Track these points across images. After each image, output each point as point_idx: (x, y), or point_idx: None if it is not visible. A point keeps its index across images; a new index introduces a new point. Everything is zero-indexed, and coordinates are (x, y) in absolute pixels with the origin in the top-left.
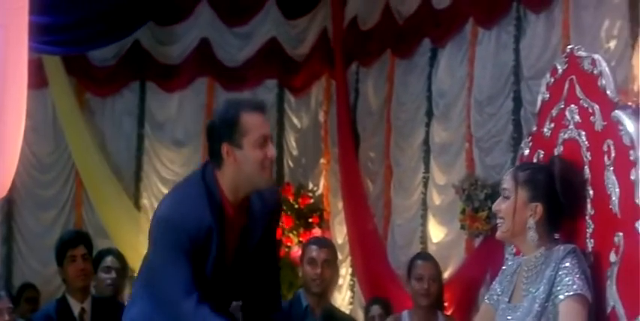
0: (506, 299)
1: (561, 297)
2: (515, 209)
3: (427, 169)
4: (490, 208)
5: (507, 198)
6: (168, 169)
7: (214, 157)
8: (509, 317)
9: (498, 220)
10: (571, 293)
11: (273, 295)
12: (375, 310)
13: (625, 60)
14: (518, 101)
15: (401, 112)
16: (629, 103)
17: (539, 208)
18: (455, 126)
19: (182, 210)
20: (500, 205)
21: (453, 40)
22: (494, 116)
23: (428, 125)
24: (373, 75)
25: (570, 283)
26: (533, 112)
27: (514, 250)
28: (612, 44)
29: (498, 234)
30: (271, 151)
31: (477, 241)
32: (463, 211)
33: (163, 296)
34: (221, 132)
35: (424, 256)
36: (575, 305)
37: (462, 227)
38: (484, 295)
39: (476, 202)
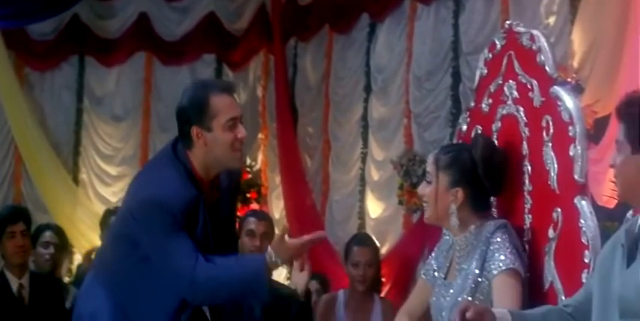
0: (443, 276)
1: (494, 272)
2: (437, 195)
3: (365, 145)
4: None
5: (430, 183)
6: (106, 143)
7: (185, 138)
8: (444, 293)
9: (424, 204)
10: (503, 268)
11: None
12: (313, 285)
13: (564, 36)
14: (456, 77)
15: (339, 88)
16: (569, 79)
17: (460, 193)
18: (393, 101)
19: (166, 189)
20: (424, 190)
21: (391, 15)
22: (433, 92)
23: (366, 101)
24: (311, 50)
25: (502, 258)
26: (472, 87)
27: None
28: (552, 20)
29: (425, 218)
30: (242, 132)
31: (415, 217)
32: (401, 187)
33: (173, 273)
34: (190, 115)
35: (361, 240)
36: (508, 279)
37: (400, 203)
38: (421, 270)
39: (414, 177)
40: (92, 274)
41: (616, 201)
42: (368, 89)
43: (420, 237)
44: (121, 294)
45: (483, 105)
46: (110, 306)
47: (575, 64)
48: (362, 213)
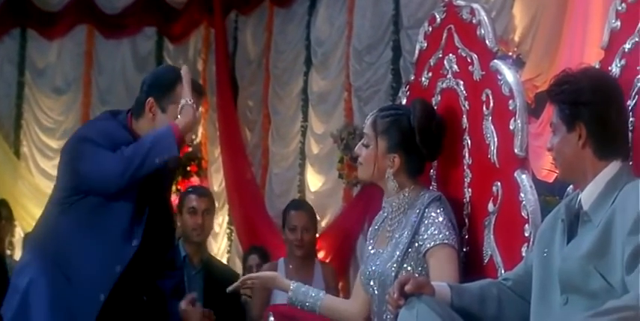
0: (370, 247)
1: (428, 246)
2: (376, 158)
3: (305, 118)
4: None
5: (366, 146)
6: (48, 116)
7: (137, 105)
8: (372, 259)
9: (358, 164)
10: (437, 242)
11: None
12: (253, 259)
13: (506, 10)
14: (397, 51)
15: (279, 61)
16: (510, 53)
17: (397, 159)
18: (334, 75)
19: (105, 129)
20: (361, 151)
21: None
22: (374, 65)
23: (307, 74)
24: (252, 24)
25: (436, 232)
26: (413, 61)
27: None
28: None
29: (359, 176)
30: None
31: (355, 190)
32: (341, 160)
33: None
34: (154, 88)
35: (297, 205)
36: (443, 254)
37: (340, 176)
38: (361, 243)
39: (354, 151)
40: (27, 244)
41: (555, 175)
42: (308, 63)
43: (360, 210)
44: (59, 260)
45: (423, 79)
46: (47, 275)
47: (517, 38)
48: (302, 186)
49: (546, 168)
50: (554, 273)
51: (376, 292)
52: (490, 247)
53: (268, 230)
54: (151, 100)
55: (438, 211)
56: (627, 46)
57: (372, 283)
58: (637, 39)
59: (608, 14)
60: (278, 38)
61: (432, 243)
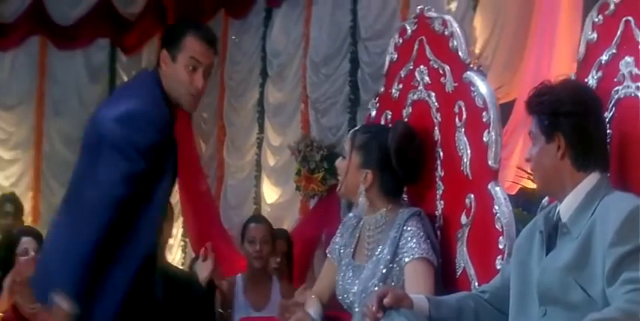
0: (350, 254)
1: (406, 260)
2: (348, 172)
3: (261, 130)
4: (326, 170)
5: (345, 158)
6: (0, 128)
7: (158, 58)
8: (353, 276)
9: (339, 177)
10: (416, 256)
11: None
12: None
13: (466, 22)
14: (355, 62)
15: (234, 73)
16: (471, 65)
17: (369, 175)
18: (290, 87)
19: (148, 106)
20: (339, 164)
21: (288, 0)
22: (331, 77)
23: (262, 86)
24: None
25: (415, 246)
26: (371, 73)
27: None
28: (453, 6)
29: (337, 190)
30: (199, 80)
31: (312, 203)
32: (299, 172)
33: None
34: (165, 39)
35: (256, 218)
36: (420, 268)
37: (298, 188)
38: (319, 256)
39: (312, 163)
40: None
41: (518, 187)
42: (264, 74)
43: (317, 223)
44: None
45: (393, 90)
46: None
47: (477, 50)
48: (258, 198)
49: (509, 180)
50: (533, 285)
51: (356, 308)
52: (463, 259)
53: (222, 242)
54: (164, 51)
55: (418, 225)
56: (604, 57)
57: (350, 297)
58: (614, 51)
59: (584, 26)
60: (233, 49)
61: (411, 256)
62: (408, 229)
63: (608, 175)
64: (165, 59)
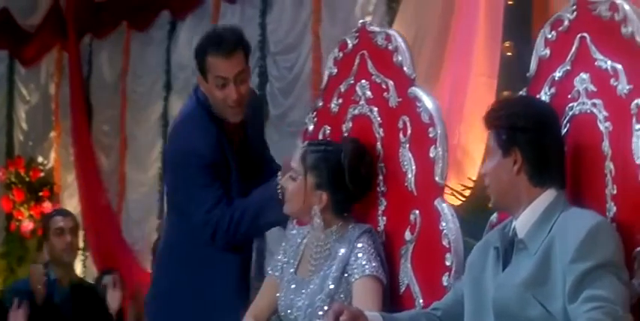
0: (292, 270)
1: (356, 277)
2: (305, 193)
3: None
4: None
5: (294, 179)
6: None
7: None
8: (298, 291)
9: (286, 197)
10: (366, 273)
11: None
12: (108, 279)
13: None
14: (264, 77)
15: (137, 86)
16: None
17: (324, 196)
18: None
19: (194, 140)
20: (288, 185)
21: (193, 13)
22: None
23: (166, 99)
24: (108, 47)
25: (365, 263)
26: (280, 87)
27: (294, 223)
28: (368, 20)
29: (284, 210)
30: (232, 94)
31: None
32: None
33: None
34: (196, 61)
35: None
36: (369, 285)
37: None
38: (268, 267)
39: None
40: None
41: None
42: (168, 87)
43: None
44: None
45: (332, 105)
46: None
47: None
48: (161, 213)
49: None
50: (488, 301)
51: None
52: (407, 276)
53: (124, 256)
54: (198, 75)
55: (369, 242)
56: (558, 74)
57: (295, 312)
58: (568, 67)
59: (537, 42)
60: (136, 62)
61: (360, 274)
62: (359, 245)
63: (564, 191)
64: (200, 80)
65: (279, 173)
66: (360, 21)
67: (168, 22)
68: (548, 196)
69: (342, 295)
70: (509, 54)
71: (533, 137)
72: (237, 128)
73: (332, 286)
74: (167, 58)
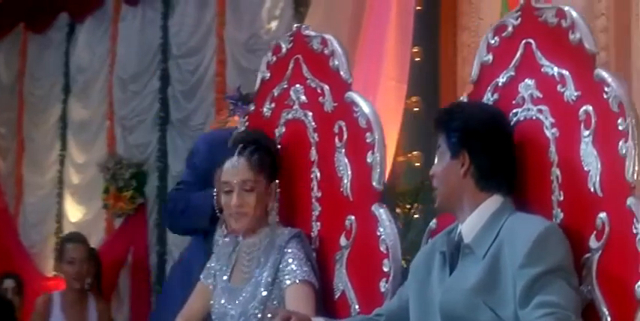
0: (225, 278)
1: (288, 282)
2: (267, 197)
3: (64, 147)
4: (135, 188)
5: (251, 191)
6: None
7: None
8: (231, 299)
9: (243, 211)
10: (298, 279)
11: None
12: (9, 283)
13: None
14: (165, 80)
15: (35, 88)
16: None
17: (276, 188)
18: (95, 103)
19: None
20: (249, 200)
21: (93, 16)
22: (140, 94)
23: (65, 102)
24: (4, 49)
25: (296, 269)
26: (183, 90)
27: (223, 229)
28: (274, 25)
29: (238, 228)
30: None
31: (118, 221)
32: (107, 191)
33: None
34: None
35: (74, 238)
36: (301, 291)
37: (105, 206)
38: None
39: (120, 181)
40: None
41: None
42: (67, 90)
43: (124, 242)
44: None
45: (265, 109)
46: None
47: None
48: (60, 216)
49: None
50: (434, 305)
51: None
52: (342, 282)
53: (22, 259)
54: None
55: (299, 247)
56: (501, 80)
57: (228, 320)
58: (512, 73)
59: (479, 48)
60: (33, 64)
61: (292, 279)
62: (289, 251)
63: (511, 198)
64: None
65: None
66: (266, 26)
67: (66, 24)
68: (494, 201)
69: (275, 301)
70: (417, 59)
71: (484, 142)
72: None
73: (264, 293)
74: (66, 60)
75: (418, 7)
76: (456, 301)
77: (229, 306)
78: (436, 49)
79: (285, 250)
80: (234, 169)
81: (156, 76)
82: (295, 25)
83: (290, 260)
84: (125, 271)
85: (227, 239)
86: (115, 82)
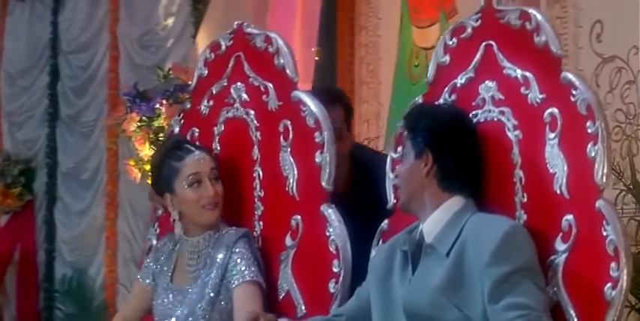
0: (167, 278)
1: (236, 283)
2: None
3: None
4: (23, 185)
5: (217, 179)
6: None
7: None
8: (175, 300)
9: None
10: (246, 279)
11: None
12: None
13: (185, 38)
14: (55, 75)
15: None
16: (190, 82)
17: None
18: None
19: None
20: (218, 188)
21: None
22: (28, 90)
23: None
24: None
25: (244, 269)
26: (73, 86)
27: (157, 230)
28: (170, 21)
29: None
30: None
31: (4, 218)
32: None
33: None
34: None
35: None
36: (249, 291)
37: None
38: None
39: (8, 177)
40: None
41: None
42: None
43: (11, 239)
44: None
45: (202, 107)
46: None
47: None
48: None
49: None
50: (397, 305)
51: None
52: (287, 282)
53: None
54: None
55: (246, 246)
56: (460, 81)
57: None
58: (472, 75)
59: (436, 49)
60: None
61: (240, 280)
62: (237, 251)
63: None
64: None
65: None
66: (162, 22)
67: None
68: (455, 202)
69: (222, 302)
70: (316, 59)
71: (448, 143)
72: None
73: (212, 294)
74: None
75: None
76: (421, 301)
77: (175, 306)
78: (334, 48)
79: (234, 249)
80: (200, 159)
81: (45, 72)
82: (236, 23)
83: (238, 260)
84: (12, 268)
85: (166, 239)
86: (3, 77)
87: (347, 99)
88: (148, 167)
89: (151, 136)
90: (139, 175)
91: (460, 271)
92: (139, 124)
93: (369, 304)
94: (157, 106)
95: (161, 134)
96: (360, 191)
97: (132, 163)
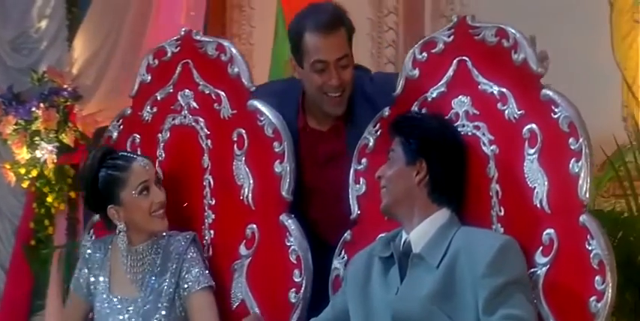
0: (106, 288)
1: (192, 290)
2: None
3: None
4: None
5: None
6: None
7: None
8: (116, 308)
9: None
10: (202, 285)
11: None
12: None
13: (60, 41)
14: None
15: None
16: (65, 86)
17: None
18: None
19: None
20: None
21: None
22: None
23: None
24: None
25: (199, 275)
26: None
27: (92, 234)
28: (44, 24)
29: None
30: (333, 79)
31: None
32: None
33: None
34: (290, 44)
35: None
36: (206, 298)
37: None
38: (71, 285)
39: None
40: None
41: None
42: None
43: None
44: None
45: (145, 113)
46: None
47: (75, 70)
48: None
49: None
50: (377, 312)
51: None
52: (242, 291)
53: None
54: (291, 58)
55: (197, 251)
56: (431, 95)
57: None
58: (444, 89)
59: (405, 62)
60: None
61: (197, 287)
62: (189, 257)
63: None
64: (295, 67)
65: None
66: (36, 25)
67: None
68: (442, 214)
69: (179, 310)
70: None
71: (444, 154)
72: (331, 136)
73: (167, 304)
74: None
75: (192, 13)
76: (412, 309)
77: (120, 316)
78: None
79: (185, 256)
80: (145, 166)
81: None
82: (183, 29)
83: (192, 266)
84: None
85: (98, 245)
86: None
87: (347, 17)
88: (23, 171)
89: (27, 139)
90: (14, 178)
91: (452, 282)
92: (15, 127)
93: (346, 313)
94: (34, 109)
95: (37, 138)
96: (360, 121)
97: (7, 166)
